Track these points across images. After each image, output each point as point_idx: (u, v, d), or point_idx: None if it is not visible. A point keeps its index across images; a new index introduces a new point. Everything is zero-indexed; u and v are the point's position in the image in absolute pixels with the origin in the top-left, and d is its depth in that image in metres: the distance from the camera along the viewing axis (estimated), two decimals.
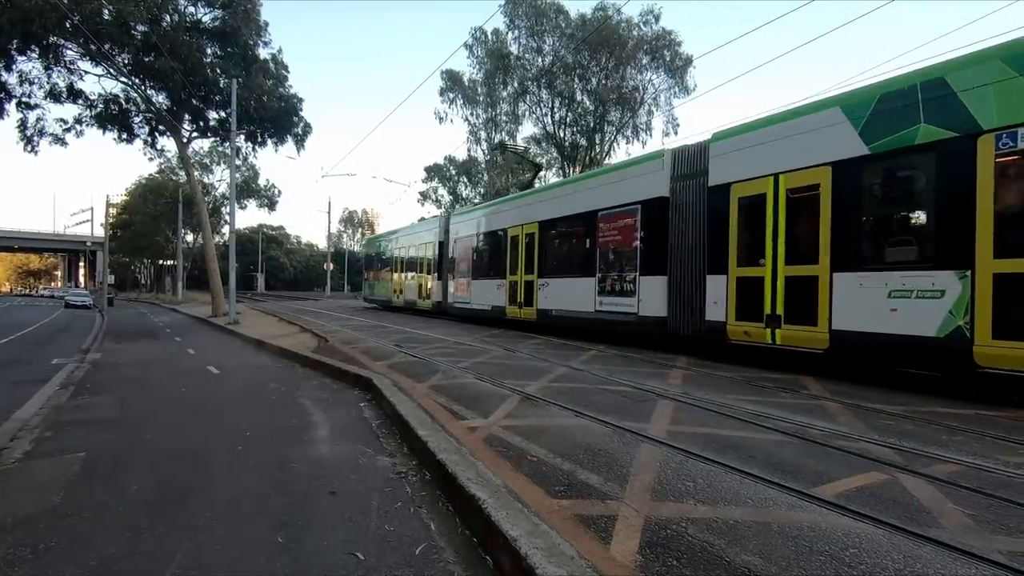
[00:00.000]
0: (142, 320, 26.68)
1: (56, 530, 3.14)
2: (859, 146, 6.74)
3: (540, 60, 32.13)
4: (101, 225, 43.45)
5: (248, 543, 2.98)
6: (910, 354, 6.30)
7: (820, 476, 3.40)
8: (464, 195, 44.98)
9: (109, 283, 39.42)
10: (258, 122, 24.33)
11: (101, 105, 23.49)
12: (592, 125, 32.90)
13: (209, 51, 23.19)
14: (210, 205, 44.29)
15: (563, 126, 33.53)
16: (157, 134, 25.48)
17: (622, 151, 33.07)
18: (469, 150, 38.41)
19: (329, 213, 50.98)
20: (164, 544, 2.95)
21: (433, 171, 46.48)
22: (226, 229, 37.62)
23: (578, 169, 32.06)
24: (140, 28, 20.81)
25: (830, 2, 13.53)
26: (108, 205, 41.56)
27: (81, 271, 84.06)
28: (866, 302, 6.53)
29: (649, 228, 10.02)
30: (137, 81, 22.95)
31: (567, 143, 33.60)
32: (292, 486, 3.83)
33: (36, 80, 22.14)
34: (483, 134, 35.68)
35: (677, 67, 30.54)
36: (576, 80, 31.97)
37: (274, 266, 77.06)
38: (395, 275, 23.27)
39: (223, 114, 24.01)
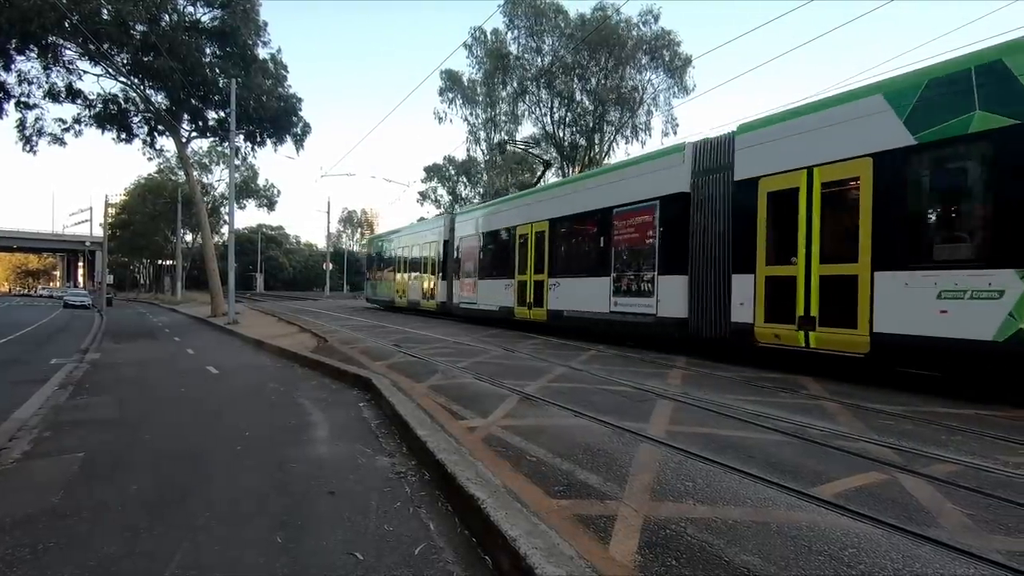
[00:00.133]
0: (141, 320, 26.66)
1: (55, 530, 3.13)
2: (904, 136, 6.26)
3: (539, 60, 32.14)
4: (100, 225, 43.43)
5: (247, 543, 2.98)
6: (963, 359, 5.87)
7: (819, 476, 3.40)
8: (463, 195, 44.99)
9: (108, 283, 39.38)
10: (257, 122, 24.32)
11: (100, 105, 23.50)
12: (591, 125, 32.90)
13: (208, 51, 23.19)
14: (209, 205, 44.30)
15: (562, 126, 33.53)
16: (156, 134, 25.48)
17: (621, 151, 33.11)
18: (468, 150, 38.42)
19: (328, 213, 51.03)
20: (163, 544, 2.95)
21: (432, 171, 46.49)
22: (225, 229, 37.57)
23: (577, 169, 32.04)
24: (139, 28, 20.80)
25: (830, 2, 13.55)
26: (107, 205, 41.51)
27: (80, 271, 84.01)
28: (912, 303, 6.07)
29: (668, 225, 9.59)
30: (136, 81, 22.94)
31: (566, 143, 33.60)
32: (291, 486, 3.83)
33: (35, 80, 22.18)
34: (482, 134, 35.68)
35: (676, 67, 30.55)
36: (575, 80, 31.97)
37: (273, 266, 77.02)
38: (398, 275, 22.96)
39: (222, 114, 24.00)
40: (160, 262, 66.09)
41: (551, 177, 36.41)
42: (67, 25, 19.45)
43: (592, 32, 28.88)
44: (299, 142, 26.20)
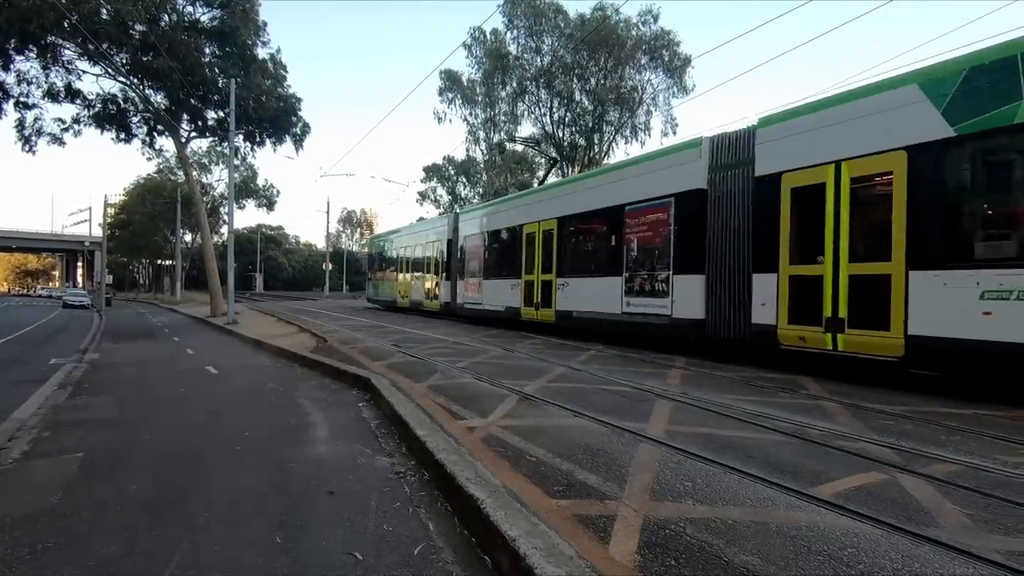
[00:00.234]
0: (140, 320, 26.65)
1: (54, 530, 3.13)
2: (942, 127, 5.92)
3: (539, 60, 32.17)
4: (99, 225, 43.39)
5: (247, 543, 2.97)
6: (1009, 363, 5.54)
7: (819, 476, 3.40)
8: (463, 195, 45.01)
9: (107, 283, 39.35)
10: (256, 122, 24.31)
11: (99, 105, 23.48)
12: (591, 125, 32.93)
13: (207, 51, 23.18)
14: (208, 205, 44.26)
15: (562, 126, 33.55)
16: (155, 134, 25.47)
17: (620, 151, 33.12)
18: (468, 150, 38.44)
19: (328, 213, 51.08)
20: (162, 544, 2.95)
21: (432, 171, 46.52)
22: (225, 229, 37.59)
23: (577, 169, 32.04)
24: (138, 28, 20.79)
25: (829, 2, 13.56)
26: (106, 205, 41.45)
27: (79, 271, 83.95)
28: (952, 304, 5.73)
29: (684, 223, 9.27)
30: (135, 81, 22.93)
31: (566, 143, 33.61)
32: (291, 486, 3.83)
33: (34, 80, 22.17)
34: (482, 134, 35.71)
35: (676, 67, 30.58)
36: (575, 80, 32.00)
37: (273, 266, 76.98)
38: (401, 275, 22.66)
39: (221, 114, 23.98)
40: (159, 262, 66.07)
41: (550, 178, 36.48)
42: (66, 25, 19.43)
43: (591, 32, 28.89)
44: (298, 142, 26.20)
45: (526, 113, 34.11)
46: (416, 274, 21.04)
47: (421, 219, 25.32)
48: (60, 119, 23.66)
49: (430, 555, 2.83)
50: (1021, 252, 5.45)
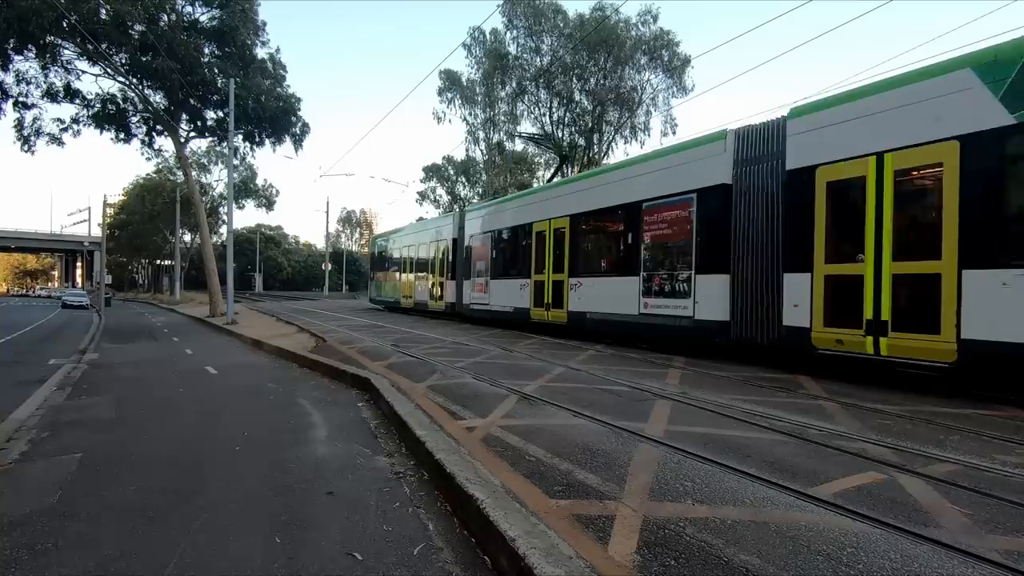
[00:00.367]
0: (140, 320, 26.63)
1: (53, 531, 3.13)
2: (999, 115, 5.48)
3: (538, 60, 32.16)
4: (98, 225, 43.41)
5: (246, 544, 2.97)
6: None
7: (818, 476, 3.40)
8: (462, 195, 45.00)
9: (106, 283, 39.29)
10: (256, 122, 24.27)
11: (98, 105, 23.44)
12: (590, 125, 32.92)
13: (207, 51, 23.15)
14: (208, 205, 44.24)
15: (561, 126, 33.54)
16: (155, 134, 25.42)
17: (620, 151, 33.12)
18: (467, 150, 38.39)
19: (327, 213, 51.17)
20: (162, 545, 2.94)
21: (431, 171, 46.51)
22: (224, 229, 37.56)
23: (576, 169, 32.03)
24: (137, 28, 20.75)
25: (829, 2, 13.57)
26: (105, 205, 41.46)
27: (78, 271, 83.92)
28: (1012, 306, 5.32)
29: (707, 220, 8.83)
30: (134, 81, 22.89)
31: (565, 143, 33.62)
32: (290, 486, 3.83)
33: (33, 80, 22.10)
34: (481, 134, 35.68)
35: (675, 67, 30.58)
36: (574, 80, 32.00)
37: (272, 266, 76.94)
38: (404, 275, 22.15)
39: (221, 114, 23.96)
40: (159, 262, 66.04)
41: (549, 178, 36.46)
42: (65, 25, 19.41)
43: (591, 32, 28.90)
44: (298, 142, 26.15)
45: (525, 113, 34.12)
46: (420, 274, 20.61)
47: (421, 219, 25.09)
48: (59, 119, 23.65)
49: (430, 555, 2.83)
50: None
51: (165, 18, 21.58)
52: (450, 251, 18.03)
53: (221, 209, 48.08)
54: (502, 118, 34.50)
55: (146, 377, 9.28)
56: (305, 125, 26.12)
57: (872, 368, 6.98)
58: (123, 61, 22.01)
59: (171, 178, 49.58)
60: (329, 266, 53.56)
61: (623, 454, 3.80)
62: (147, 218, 51.90)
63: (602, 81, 31.31)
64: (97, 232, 45.01)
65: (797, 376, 7.16)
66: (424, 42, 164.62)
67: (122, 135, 24.61)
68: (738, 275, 8.33)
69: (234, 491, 3.76)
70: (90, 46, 20.33)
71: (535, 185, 33.28)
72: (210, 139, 30.90)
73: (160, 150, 28.79)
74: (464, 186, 45.38)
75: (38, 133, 23.16)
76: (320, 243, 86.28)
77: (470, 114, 35.51)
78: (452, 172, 45.61)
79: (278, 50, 25.41)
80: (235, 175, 29.75)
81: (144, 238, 55.12)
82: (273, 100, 24.05)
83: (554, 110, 33.23)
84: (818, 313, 7.04)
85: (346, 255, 78.39)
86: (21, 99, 22.26)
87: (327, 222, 52.25)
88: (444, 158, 45.50)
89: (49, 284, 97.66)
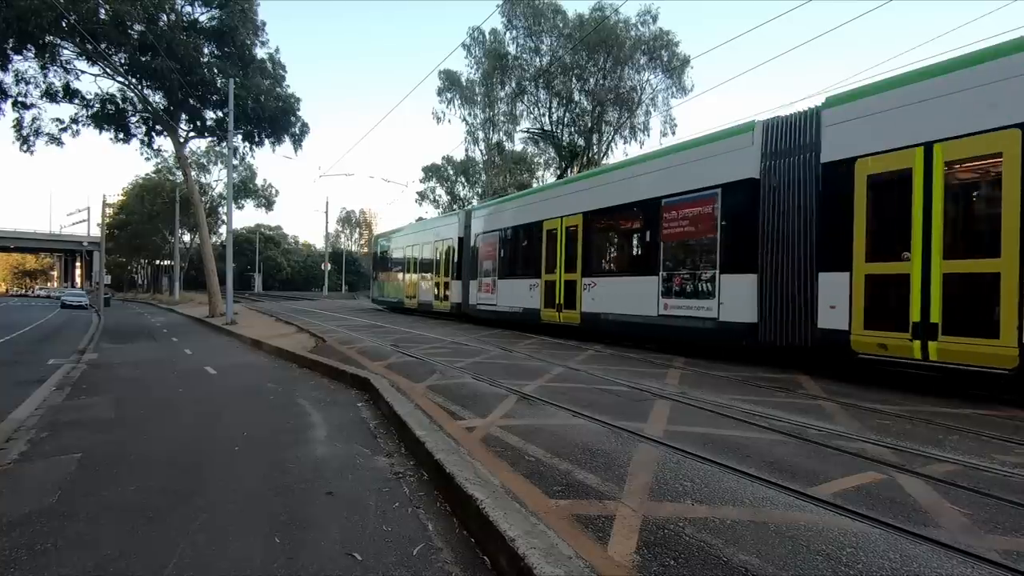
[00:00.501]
0: (139, 320, 26.61)
1: (52, 531, 3.13)
2: None
3: (538, 60, 32.11)
4: (97, 225, 43.36)
5: (245, 544, 2.97)
6: None
7: (817, 476, 3.40)
8: (462, 195, 45.02)
9: (106, 283, 39.27)
10: (255, 122, 24.26)
11: (98, 105, 23.43)
12: (590, 125, 32.90)
13: (206, 51, 23.14)
14: (207, 205, 44.22)
15: (561, 126, 33.53)
16: (154, 134, 25.40)
17: (620, 151, 33.12)
18: (467, 150, 38.35)
19: (327, 213, 51.16)
20: (161, 545, 2.94)
21: (431, 171, 46.54)
22: (223, 229, 37.57)
23: (576, 170, 32.04)
24: (137, 28, 20.75)
25: (829, 2, 13.58)
26: (104, 205, 41.41)
27: (78, 271, 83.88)
28: None
29: (732, 216, 8.44)
30: (134, 81, 22.89)
31: (565, 143, 33.62)
32: (289, 487, 3.83)
33: (32, 80, 22.09)
34: (481, 134, 35.62)
35: (675, 67, 30.55)
36: (574, 80, 31.96)
37: (271, 266, 76.90)
38: (408, 275, 21.77)
39: (220, 114, 23.96)
40: (158, 262, 66.00)
41: (550, 177, 36.48)
42: (64, 25, 19.40)
43: (590, 32, 28.89)
44: (297, 142, 26.15)
45: (525, 113, 34.09)
46: (424, 274, 20.12)
47: (420, 219, 24.97)
48: (58, 119, 23.64)
49: (429, 555, 2.83)
50: None
51: (164, 18, 21.57)
52: (456, 250, 17.67)
53: (220, 209, 48.05)
54: (501, 118, 34.46)
55: (145, 377, 9.28)
56: (304, 125, 26.14)
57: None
58: (122, 61, 22.00)
59: (170, 178, 49.56)
60: (328, 266, 53.58)
61: (623, 454, 3.80)
62: (146, 218, 51.86)
63: (601, 81, 31.29)
64: (96, 232, 44.97)
65: (796, 376, 7.16)
66: (424, 42, 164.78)
67: (121, 135, 24.60)
68: (767, 274, 7.94)
69: (233, 491, 3.76)
70: (89, 46, 20.32)
71: (535, 185, 33.29)
72: (209, 139, 30.89)
73: (159, 150, 28.83)
74: (464, 186, 45.43)
75: (37, 133, 23.16)
76: (319, 243, 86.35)
77: (469, 114, 35.47)
78: (451, 172, 45.65)
79: (277, 50, 25.48)
80: (234, 175, 29.76)
81: (143, 238, 55.07)
82: (272, 100, 24.05)
83: (554, 110, 33.21)
84: (858, 315, 6.62)
85: (345, 255, 78.38)
86: (20, 99, 22.26)
87: (327, 222, 52.30)
88: (444, 158, 45.60)
89: (48, 284, 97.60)
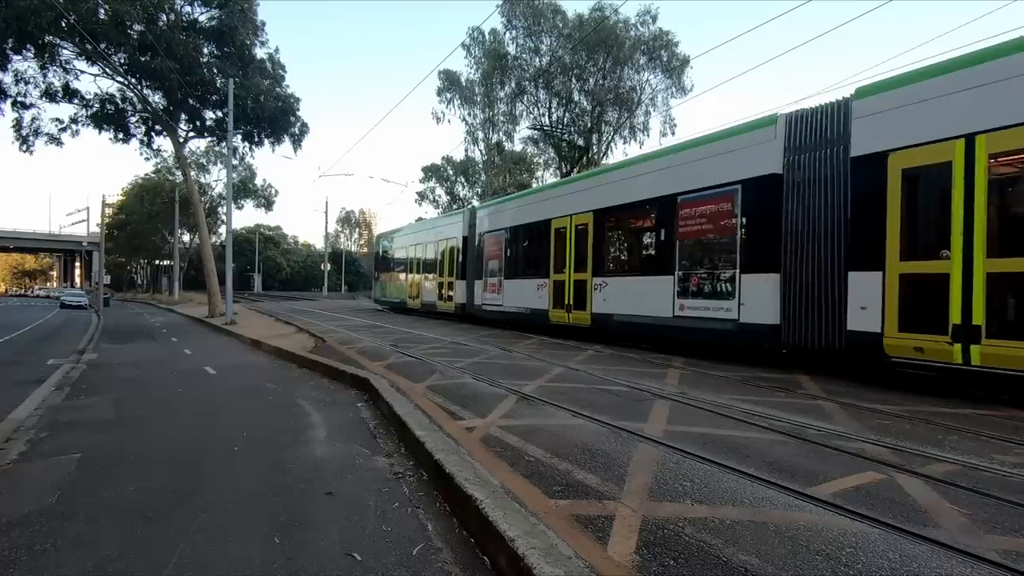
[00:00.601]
0: (138, 320, 26.60)
1: (52, 531, 3.12)
2: None
3: (537, 60, 32.11)
4: (97, 225, 43.40)
5: (245, 544, 2.97)
6: None
7: (816, 476, 3.40)
8: (462, 195, 45.02)
9: (105, 283, 39.25)
10: (255, 122, 24.25)
11: (97, 105, 23.42)
12: (589, 126, 32.92)
13: (206, 51, 23.14)
14: (207, 205, 44.18)
15: (560, 126, 33.52)
16: (153, 134, 25.40)
17: (619, 151, 33.13)
18: (467, 150, 38.36)
19: (326, 213, 51.23)
20: (160, 545, 2.94)
21: (431, 171, 46.54)
22: (223, 229, 37.57)
23: (576, 170, 32.04)
24: (136, 28, 20.75)
25: (829, 2, 13.59)
26: (104, 205, 41.46)
27: (77, 271, 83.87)
28: None
29: (754, 214, 8.14)
30: (133, 81, 22.88)
31: (564, 143, 33.62)
32: (289, 487, 3.83)
33: (32, 79, 22.10)
34: (480, 134, 35.63)
35: (674, 67, 30.57)
36: (573, 80, 31.98)
37: (271, 266, 76.89)
38: (411, 275, 21.42)
39: (220, 114, 23.96)
40: (157, 262, 65.98)
41: (549, 177, 36.48)
42: (64, 25, 19.40)
43: (590, 32, 28.89)
44: (297, 142, 26.14)
45: (524, 113, 34.10)
46: (428, 274, 19.79)
47: (420, 219, 24.88)
48: (58, 119, 23.65)
49: (429, 555, 2.83)
50: None
51: (164, 18, 21.57)
52: (460, 250, 17.35)
53: (220, 209, 48.01)
54: (501, 118, 34.46)
55: (145, 377, 9.27)
56: (304, 125, 26.14)
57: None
58: (122, 61, 21.99)
59: (170, 178, 49.53)
60: (328, 266, 53.61)
61: (622, 454, 3.80)
62: (146, 218, 51.84)
63: (601, 81, 31.30)
64: (96, 232, 44.97)
65: (796, 376, 7.16)
66: (423, 42, 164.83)
67: (121, 135, 24.60)
68: (791, 274, 7.60)
69: (233, 491, 3.76)
70: (89, 46, 20.32)
71: (534, 185, 33.27)
72: (209, 139, 30.91)
73: (159, 150, 28.80)
74: (463, 186, 45.43)
75: (37, 133, 23.15)
76: (319, 243, 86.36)
77: (469, 114, 35.46)
78: (451, 172, 45.65)
79: (277, 50, 25.50)
80: (234, 175, 29.75)
81: (143, 238, 55.05)
82: (272, 100, 24.04)
83: (553, 110, 33.22)
84: (891, 317, 6.27)
85: (345, 255, 78.38)
86: (20, 99, 22.26)
87: (326, 222, 52.41)
88: (443, 158, 45.59)
89: (47, 284, 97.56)
